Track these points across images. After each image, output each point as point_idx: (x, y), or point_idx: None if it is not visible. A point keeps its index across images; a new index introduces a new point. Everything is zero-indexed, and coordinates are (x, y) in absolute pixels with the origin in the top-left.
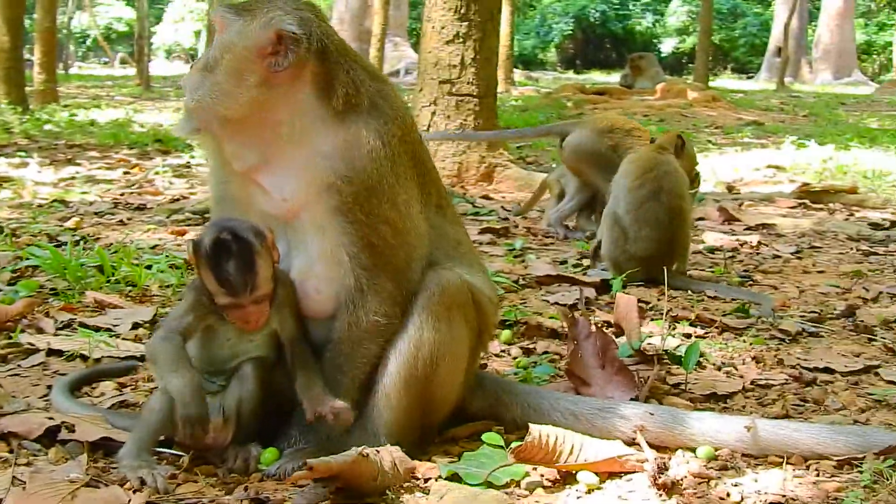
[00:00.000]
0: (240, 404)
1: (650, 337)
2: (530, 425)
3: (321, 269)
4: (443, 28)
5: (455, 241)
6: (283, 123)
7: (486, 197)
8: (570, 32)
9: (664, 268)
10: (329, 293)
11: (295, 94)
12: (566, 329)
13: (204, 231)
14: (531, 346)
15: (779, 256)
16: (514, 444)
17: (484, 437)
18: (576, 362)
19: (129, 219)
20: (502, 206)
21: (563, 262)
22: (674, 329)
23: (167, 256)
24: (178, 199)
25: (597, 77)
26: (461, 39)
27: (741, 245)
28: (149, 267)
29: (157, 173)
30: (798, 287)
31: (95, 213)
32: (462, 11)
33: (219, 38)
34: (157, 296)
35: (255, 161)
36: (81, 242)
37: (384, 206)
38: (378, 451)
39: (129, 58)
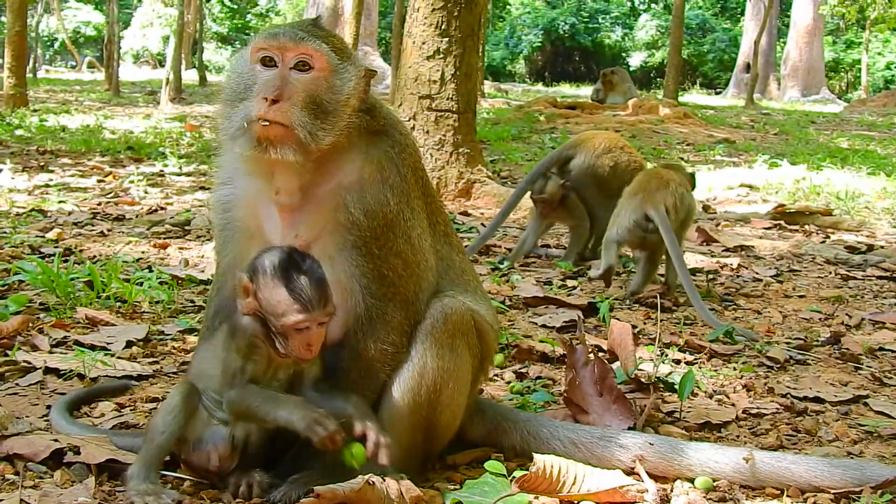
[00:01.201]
0: (249, 434)
1: (641, 362)
2: (535, 455)
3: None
4: (423, 43)
5: (460, 270)
6: (333, 156)
7: (464, 213)
8: (540, 45)
9: (657, 294)
10: (337, 321)
11: (350, 127)
12: (558, 353)
13: (256, 258)
14: (523, 371)
15: (759, 279)
16: (516, 473)
17: (486, 465)
18: (574, 390)
19: (109, 230)
20: (482, 224)
21: (549, 283)
22: (665, 355)
23: (157, 273)
24: (155, 210)
25: (566, 90)
26: (442, 55)
27: (721, 267)
28: (139, 283)
29: (131, 182)
30: (781, 312)
31: (75, 224)
32: (443, 27)
33: (318, 77)
34: (147, 312)
35: (299, 196)
36: (66, 255)
37: (399, 241)
38: (384, 480)
39: (96, 62)
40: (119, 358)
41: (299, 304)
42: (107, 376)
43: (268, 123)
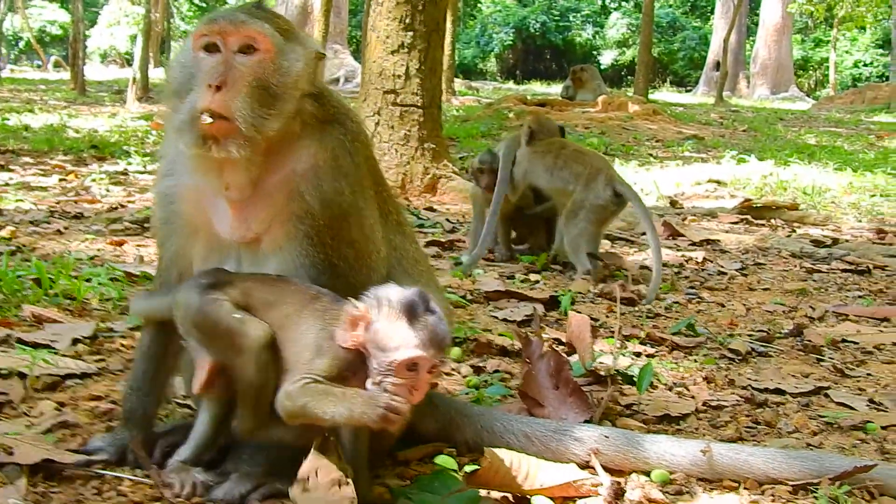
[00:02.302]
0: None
1: (601, 355)
2: (485, 449)
3: None
4: (387, 38)
5: (413, 260)
6: (283, 145)
7: (430, 209)
8: (511, 43)
9: (617, 286)
10: None
11: (301, 113)
12: (516, 347)
13: (376, 291)
14: (481, 365)
15: (724, 273)
16: (467, 469)
17: (437, 460)
18: (529, 383)
19: (66, 228)
20: (447, 219)
21: (511, 277)
22: (624, 348)
23: (108, 269)
24: (115, 208)
25: (537, 88)
26: (406, 49)
27: (687, 261)
28: (88, 280)
29: (93, 180)
30: (744, 305)
31: (31, 222)
32: (407, 21)
33: (264, 60)
34: (97, 310)
35: (249, 189)
36: (17, 253)
37: (353, 230)
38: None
39: (62, 61)
40: (63, 356)
41: (418, 339)
42: (49, 375)
43: (212, 120)
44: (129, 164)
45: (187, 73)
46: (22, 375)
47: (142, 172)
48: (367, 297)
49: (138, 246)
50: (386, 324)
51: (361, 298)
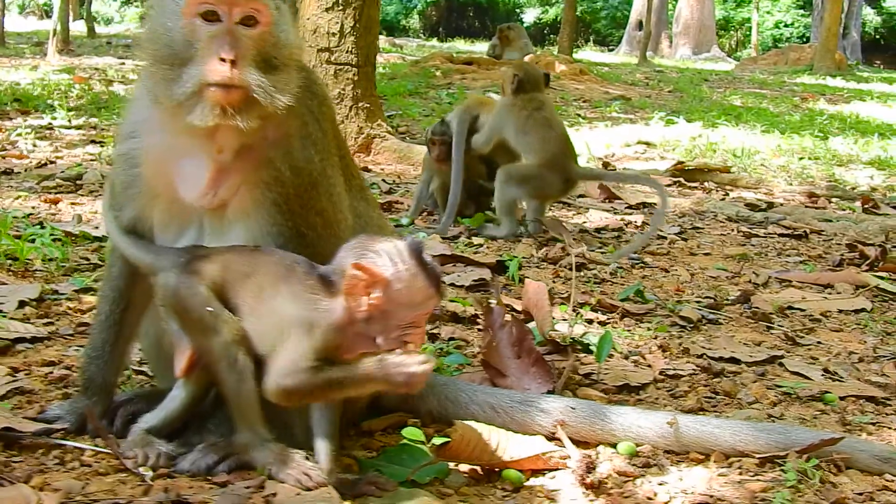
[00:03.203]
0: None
1: (556, 323)
2: (456, 422)
3: None
4: None
5: (377, 227)
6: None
7: (365, 169)
8: (434, 0)
9: (571, 256)
10: None
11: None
12: (469, 313)
13: (370, 249)
14: (435, 332)
15: (664, 237)
16: (435, 440)
17: (404, 432)
18: (491, 352)
19: None
20: (383, 179)
21: (454, 240)
22: (579, 316)
23: (50, 230)
24: (44, 164)
25: (460, 45)
26: (341, 7)
27: (626, 224)
28: (31, 240)
29: (19, 135)
30: (688, 270)
31: None
32: None
33: (264, 32)
34: (39, 270)
35: (231, 155)
36: None
37: (322, 198)
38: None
39: None
40: (12, 319)
41: (434, 287)
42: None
43: (225, 92)
44: (54, 118)
45: (181, 40)
46: None
47: (67, 127)
48: (369, 256)
49: (73, 204)
50: (408, 280)
51: (363, 259)
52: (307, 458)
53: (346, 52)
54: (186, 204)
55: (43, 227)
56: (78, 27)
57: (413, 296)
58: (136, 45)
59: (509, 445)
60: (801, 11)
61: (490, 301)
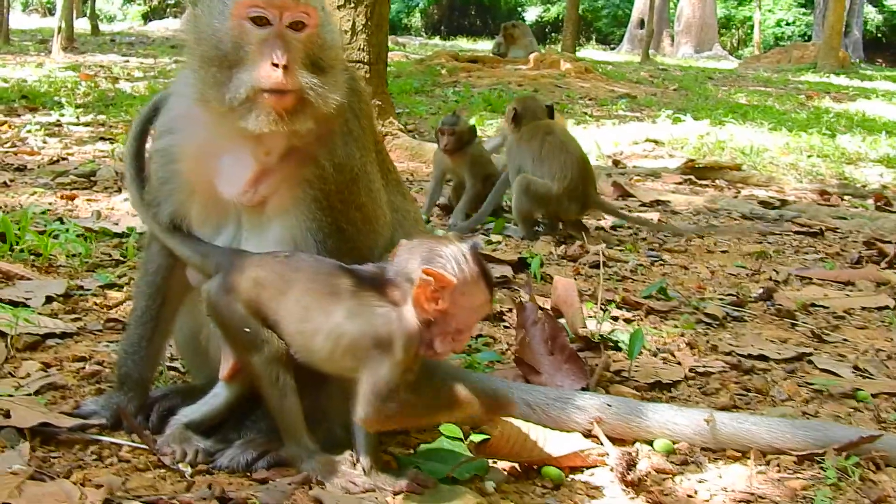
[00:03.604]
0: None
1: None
2: (495, 419)
3: None
4: None
5: (414, 220)
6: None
7: None
8: None
9: (600, 254)
10: None
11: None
12: (494, 310)
13: (435, 254)
14: None
15: (681, 235)
16: (473, 437)
17: (442, 428)
18: (524, 349)
19: (11, 181)
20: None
21: (473, 233)
22: (607, 313)
23: (73, 225)
24: (57, 161)
25: (463, 44)
26: (352, 4)
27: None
28: (55, 236)
29: (28, 132)
30: (708, 268)
31: None
32: None
33: (312, 34)
34: (63, 266)
35: (277, 157)
36: None
37: (362, 194)
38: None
39: None
40: (41, 314)
41: (490, 289)
42: (28, 334)
43: (279, 97)
44: (62, 115)
45: (230, 42)
46: (3, 334)
47: (76, 124)
48: (438, 261)
49: (89, 200)
50: (472, 284)
51: (432, 264)
52: (352, 464)
53: (358, 49)
54: (225, 200)
55: (63, 223)
56: (81, 25)
57: (474, 300)
58: (181, 45)
59: (548, 442)
60: (803, 10)
61: (520, 298)
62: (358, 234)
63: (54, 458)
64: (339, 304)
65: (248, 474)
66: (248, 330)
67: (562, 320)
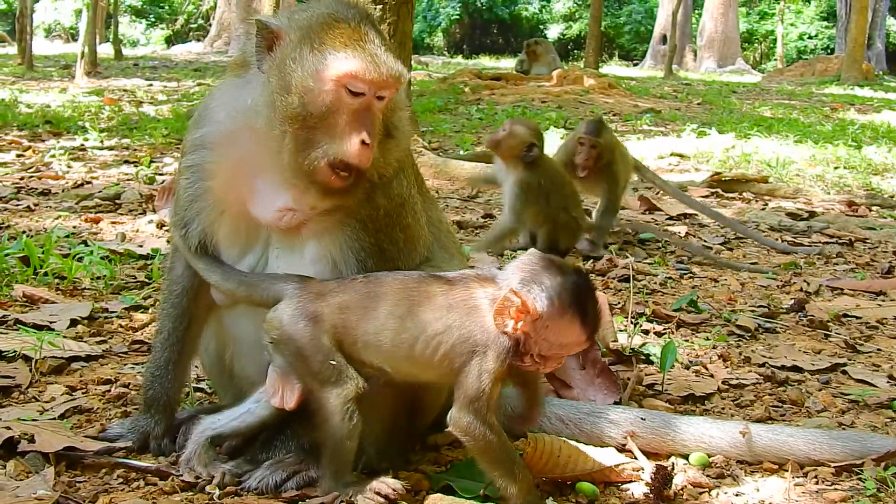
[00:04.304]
0: None
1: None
2: (529, 434)
3: (315, 272)
4: None
5: (448, 232)
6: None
7: None
8: (458, 17)
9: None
10: None
11: None
12: None
13: (541, 282)
14: None
15: (709, 247)
16: None
17: None
18: None
19: (35, 205)
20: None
21: (501, 255)
22: (638, 326)
23: (97, 248)
24: (81, 185)
25: (486, 62)
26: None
27: (670, 236)
28: (80, 258)
29: (53, 156)
30: (738, 280)
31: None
32: None
33: (390, 100)
34: (88, 289)
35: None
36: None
37: (408, 215)
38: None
39: (7, 36)
40: (65, 337)
41: (587, 333)
42: (54, 357)
43: (348, 174)
44: (86, 139)
45: (322, 106)
46: (27, 358)
47: (100, 148)
48: (532, 287)
49: (113, 223)
50: (560, 321)
51: (525, 287)
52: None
53: None
54: (255, 219)
55: (87, 246)
56: (105, 50)
57: (562, 336)
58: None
59: (581, 457)
60: (825, 23)
61: None
62: (399, 253)
63: (80, 482)
64: (436, 311)
65: (278, 495)
66: (333, 363)
67: None
